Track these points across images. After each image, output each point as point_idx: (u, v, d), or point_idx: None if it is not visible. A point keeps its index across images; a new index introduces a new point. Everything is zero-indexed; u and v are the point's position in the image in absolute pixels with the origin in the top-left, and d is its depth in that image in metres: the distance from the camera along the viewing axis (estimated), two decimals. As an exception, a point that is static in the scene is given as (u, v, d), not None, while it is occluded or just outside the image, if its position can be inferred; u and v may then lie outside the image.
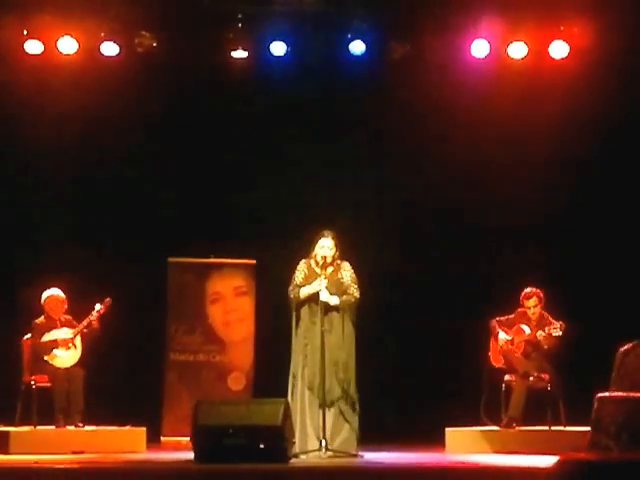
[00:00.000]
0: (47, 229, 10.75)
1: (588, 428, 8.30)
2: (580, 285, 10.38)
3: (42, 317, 9.74)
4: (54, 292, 9.75)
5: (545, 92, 10.57)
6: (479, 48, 10.32)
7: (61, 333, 9.68)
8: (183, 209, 10.93)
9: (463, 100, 10.57)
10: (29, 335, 9.71)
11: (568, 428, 9.28)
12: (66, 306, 9.74)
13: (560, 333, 9.37)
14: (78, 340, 9.69)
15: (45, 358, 9.59)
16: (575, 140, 10.60)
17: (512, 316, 9.77)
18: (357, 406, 8.80)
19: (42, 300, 9.72)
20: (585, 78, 10.39)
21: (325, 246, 8.90)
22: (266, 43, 10.39)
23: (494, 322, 9.76)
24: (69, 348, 9.65)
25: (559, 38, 10.30)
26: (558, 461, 2.88)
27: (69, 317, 9.79)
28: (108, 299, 9.66)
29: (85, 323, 9.66)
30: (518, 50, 10.34)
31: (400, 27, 10.35)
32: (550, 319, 9.57)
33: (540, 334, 9.47)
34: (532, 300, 9.65)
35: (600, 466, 2.77)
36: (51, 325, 9.71)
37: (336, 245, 8.91)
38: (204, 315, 10.65)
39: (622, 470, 2.77)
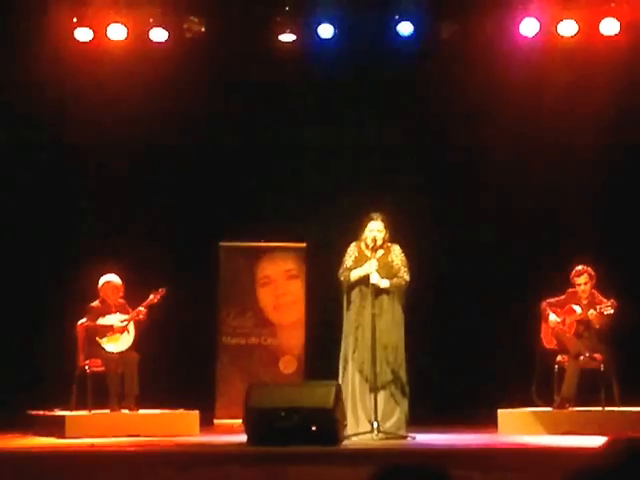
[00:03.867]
0: (101, 216, 10.83)
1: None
2: (632, 263, 10.26)
3: (97, 301, 9.84)
4: (111, 278, 9.84)
5: (597, 70, 10.41)
6: (529, 27, 10.19)
7: (115, 318, 9.77)
8: (233, 193, 10.96)
9: (513, 80, 10.45)
10: (84, 320, 9.82)
11: (622, 408, 9.19)
12: (122, 293, 9.84)
13: (612, 311, 9.27)
14: (131, 325, 9.79)
15: (99, 341, 9.70)
16: (628, 119, 10.47)
17: (563, 297, 9.68)
18: (407, 389, 8.83)
19: (99, 285, 9.82)
20: (638, 54, 10.23)
21: (375, 229, 8.91)
22: (314, 26, 10.36)
23: (544, 304, 9.68)
24: (123, 333, 9.75)
25: (610, 15, 10.14)
26: (608, 441, 2.84)
27: (124, 302, 9.88)
28: (162, 289, 9.74)
29: (138, 311, 9.75)
30: (568, 28, 10.20)
31: (448, 7, 10.26)
32: (601, 298, 9.47)
33: (592, 313, 9.39)
34: (583, 277, 9.55)
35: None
36: (106, 310, 9.81)
37: (386, 227, 8.93)
38: (255, 298, 10.68)
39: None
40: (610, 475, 2.70)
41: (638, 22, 10.09)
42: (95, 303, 9.83)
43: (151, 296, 9.75)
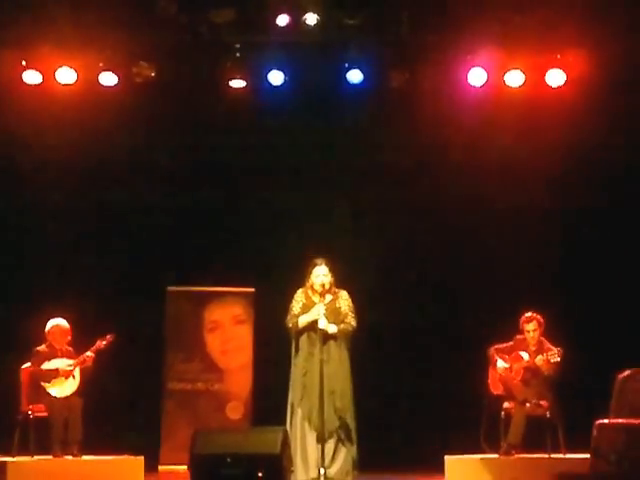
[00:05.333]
0: (47, 259, 10.74)
1: (588, 455, 8.27)
2: (579, 311, 10.35)
3: (44, 345, 9.73)
4: (59, 322, 9.74)
5: (543, 120, 10.59)
6: (476, 76, 10.33)
7: (61, 363, 9.66)
8: (181, 238, 10.92)
9: (461, 128, 10.60)
10: (28, 364, 9.70)
11: (568, 455, 9.23)
12: (69, 337, 9.74)
13: (558, 359, 9.34)
14: (77, 370, 9.68)
15: (44, 385, 9.57)
16: (574, 168, 10.62)
17: (510, 343, 9.74)
18: (354, 435, 8.80)
19: (47, 329, 9.72)
20: (583, 106, 10.40)
21: (320, 274, 8.92)
22: (264, 72, 10.42)
23: (492, 350, 9.73)
24: (68, 378, 9.64)
25: (556, 66, 10.31)
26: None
27: (70, 349, 9.78)
28: (110, 335, 9.66)
29: (85, 356, 9.66)
30: (515, 78, 10.35)
31: (397, 55, 10.37)
32: (549, 345, 9.54)
33: (539, 359, 9.44)
34: (532, 324, 9.62)
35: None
36: (52, 354, 9.70)
37: (330, 271, 8.93)
38: (202, 343, 10.63)
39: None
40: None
41: (583, 74, 10.25)
42: (42, 347, 9.72)
43: (98, 342, 9.67)
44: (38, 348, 9.71)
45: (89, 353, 9.64)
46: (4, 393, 9.81)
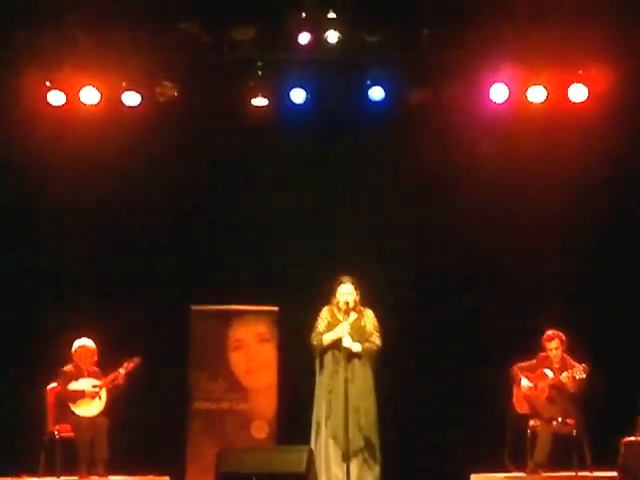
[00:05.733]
0: (74, 279, 10.77)
1: (615, 473, 8.25)
2: (604, 327, 10.31)
3: (70, 365, 9.77)
4: (86, 342, 9.80)
5: (566, 136, 10.56)
6: (498, 93, 10.32)
7: (87, 383, 9.70)
8: (206, 257, 10.94)
9: (483, 144, 10.59)
10: (54, 384, 9.74)
11: (595, 473, 9.19)
12: (96, 358, 9.78)
13: (584, 376, 9.31)
14: (103, 391, 9.71)
15: (70, 406, 9.60)
16: (596, 185, 10.58)
17: (534, 362, 9.72)
18: (379, 454, 8.80)
19: (73, 349, 9.78)
20: (605, 121, 10.38)
21: (345, 292, 8.93)
22: (286, 90, 10.46)
23: (516, 369, 9.71)
24: (94, 398, 9.67)
25: (578, 82, 10.29)
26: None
27: (96, 369, 9.83)
28: (137, 358, 9.73)
29: (111, 378, 9.71)
30: (537, 94, 10.33)
31: (419, 73, 10.38)
32: (572, 362, 9.52)
33: (565, 376, 9.42)
34: (554, 342, 9.61)
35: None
36: (78, 374, 9.75)
37: (356, 289, 8.93)
38: (226, 363, 10.61)
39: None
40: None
41: (605, 88, 10.23)
42: (68, 367, 9.76)
43: (125, 363, 9.71)
44: (64, 368, 9.75)
45: (121, 370, 9.67)
46: (31, 413, 9.84)
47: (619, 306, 10.49)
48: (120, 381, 9.70)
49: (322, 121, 10.72)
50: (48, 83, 10.26)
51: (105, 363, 9.82)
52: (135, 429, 10.08)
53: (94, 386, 9.68)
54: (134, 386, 9.86)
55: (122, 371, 9.71)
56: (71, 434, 9.56)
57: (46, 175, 10.63)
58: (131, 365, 9.71)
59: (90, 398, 9.66)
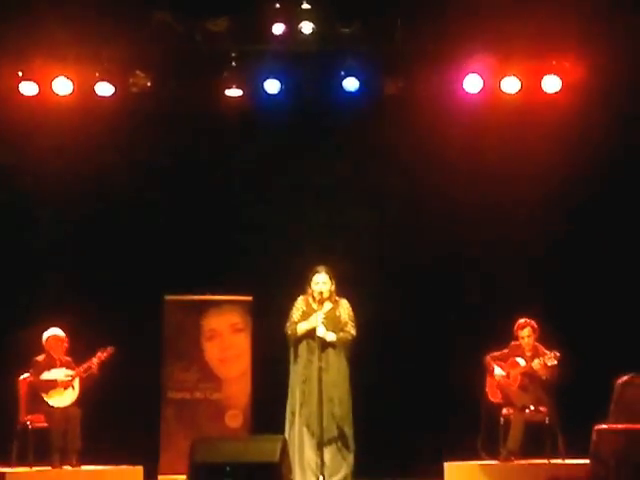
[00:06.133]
0: (45, 269, 10.73)
1: (587, 460, 8.28)
2: (576, 316, 10.35)
3: (42, 355, 9.73)
4: (55, 331, 9.77)
5: (539, 126, 10.59)
6: (472, 83, 10.36)
7: (60, 373, 9.67)
8: (179, 247, 10.92)
9: (457, 135, 10.62)
10: (27, 374, 9.71)
11: (567, 461, 9.24)
12: (66, 345, 9.74)
13: (555, 362, 9.36)
14: (76, 381, 9.69)
15: (43, 396, 9.57)
16: (569, 174, 10.61)
17: (506, 350, 9.76)
18: (352, 443, 8.79)
19: (43, 339, 9.75)
20: (579, 112, 10.42)
21: (320, 281, 8.92)
22: (260, 81, 10.45)
23: (488, 358, 9.75)
24: (67, 388, 9.64)
25: (551, 73, 10.33)
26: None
27: (69, 359, 9.80)
28: (110, 348, 9.72)
29: (85, 367, 9.69)
30: (511, 85, 10.37)
31: (393, 64, 10.40)
32: (544, 350, 9.56)
33: (536, 363, 9.46)
34: (526, 330, 9.65)
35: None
36: (51, 364, 9.72)
37: (331, 279, 8.93)
38: (200, 352, 10.61)
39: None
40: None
41: (579, 80, 10.27)
42: (40, 357, 9.73)
43: (99, 353, 9.68)
44: (37, 358, 9.73)
45: (95, 360, 9.64)
46: (3, 404, 9.80)
47: (590, 293, 10.54)
48: (94, 370, 9.69)
49: (296, 112, 10.71)
50: (20, 73, 10.20)
51: (78, 353, 9.80)
52: (108, 419, 10.03)
53: (67, 376, 9.66)
54: (107, 376, 9.84)
55: (96, 360, 9.69)
56: (44, 424, 9.54)
57: (18, 165, 10.57)
58: (105, 355, 9.69)
59: (63, 388, 9.64)
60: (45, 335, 9.75)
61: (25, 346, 9.86)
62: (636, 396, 8.59)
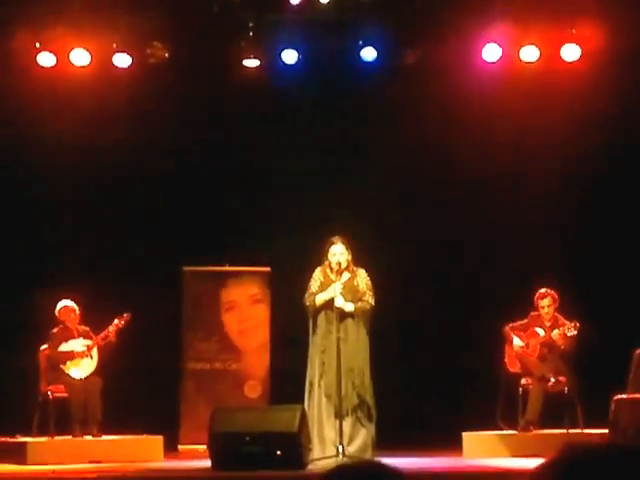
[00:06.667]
0: (64, 241, 10.77)
1: (606, 430, 8.28)
2: (595, 286, 10.32)
3: (58, 327, 9.77)
4: (66, 303, 9.78)
5: (558, 95, 10.52)
6: (491, 52, 10.29)
7: (77, 344, 9.71)
8: (198, 218, 10.93)
9: (476, 104, 10.56)
10: (46, 345, 9.75)
11: (586, 430, 9.22)
12: (78, 313, 9.74)
13: (575, 333, 9.34)
14: (94, 350, 9.72)
15: (62, 368, 9.62)
16: (589, 143, 10.56)
17: (525, 321, 9.73)
18: (373, 412, 8.79)
19: (57, 311, 9.76)
20: (598, 80, 10.35)
21: (337, 252, 8.89)
22: (278, 51, 10.41)
23: (507, 328, 9.72)
24: (85, 358, 9.68)
25: (571, 41, 10.26)
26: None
27: (86, 328, 9.82)
28: (127, 314, 9.70)
29: (102, 336, 9.71)
30: (530, 54, 10.31)
31: (411, 33, 10.33)
32: (563, 320, 9.53)
33: (555, 334, 9.44)
34: (546, 300, 9.61)
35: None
36: (68, 335, 9.74)
37: (347, 249, 8.91)
38: (220, 323, 10.65)
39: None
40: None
41: (598, 48, 10.19)
42: (56, 329, 9.75)
43: (115, 321, 9.70)
44: (53, 330, 9.75)
45: (112, 328, 9.66)
46: (24, 374, 9.86)
47: (610, 263, 10.51)
48: (112, 338, 9.70)
49: (314, 82, 10.67)
50: (38, 44, 10.19)
51: (98, 324, 9.81)
52: (128, 389, 10.08)
53: (84, 346, 9.69)
54: (128, 347, 9.87)
55: (113, 328, 9.69)
56: (64, 395, 9.57)
57: (36, 137, 10.58)
58: (122, 321, 9.69)
59: (80, 358, 9.67)
60: (57, 307, 9.75)
61: (46, 317, 9.88)
62: (655, 366, 8.58)
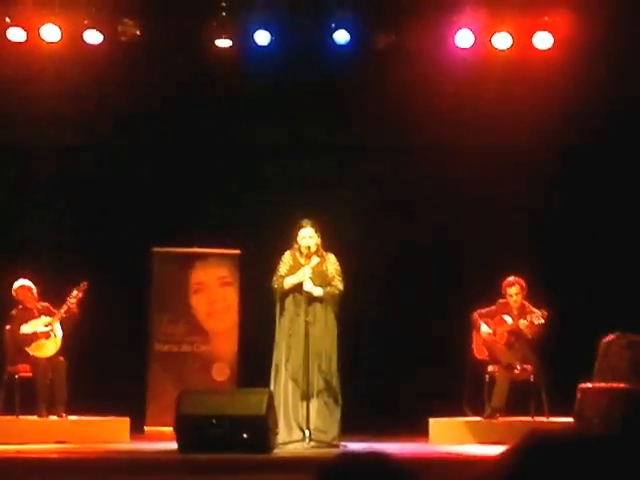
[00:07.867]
0: (31, 218, 10.68)
1: (571, 419, 8.34)
2: (563, 274, 10.38)
3: (17, 308, 9.66)
4: (22, 282, 9.63)
5: (530, 83, 10.53)
6: (463, 38, 10.27)
7: (39, 323, 9.60)
8: (167, 198, 10.87)
9: (447, 90, 10.55)
10: (8, 327, 9.67)
11: (551, 419, 9.30)
12: (35, 292, 9.61)
13: (542, 321, 9.39)
14: (58, 328, 9.59)
15: (26, 349, 9.55)
16: (560, 131, 10.60)
17: (493, 307, 9.78)
18: (339, 397, 8.83)
19: (13, 290, 9.64)
20: (570, 69, 10.35)
21: (306, 236, 8.90)
22: (250, 32, 10.34)
23: (475, 315, 9.76)
24: (49, 338, 9.59)
25: (543, 29, 10.27)
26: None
27: (46, 304, 9.71)
28: (84, 283, 9.55)
29: (64, 309, 9.58)
30: (502, 40, 10.31)
31: (384, 17, 10.31)
32: (531, 308, 9.58)
33: (522, 323, 9.49)
34: (514, 288, 9.65)
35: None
36: (28, 315, 9.62)
37: (317, 232, 8.90)
38: (188, 305, 10.61)
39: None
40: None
41: (571, 36, 10.21)
42: (15, 310, 9.64)
43: (74, 292, 9.55)
44: (12, 312, 9.64)
45: (71, 300, 9.52)
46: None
47: (579, 252, 10.57)
48: (74, 309, 9.57)
49: (286, 64, 10.61)
50: (8, 19, 10.07)
51: (60, 301, 9.70)
52: (95, 370, 10.02)
53: (46, 325, 9.59)
54: (94, 328, 9.82)
55: (73, 300, 9.55)
56: (30, 374, 9.52)
57: (6, 112, 10.47)
58: (80, 292, 9.56)
59: (45, 338, 9.58)
60: (14, 287, 9.61)
61: (8, 297, 9.79)
62: (620, 355, 8.64)
